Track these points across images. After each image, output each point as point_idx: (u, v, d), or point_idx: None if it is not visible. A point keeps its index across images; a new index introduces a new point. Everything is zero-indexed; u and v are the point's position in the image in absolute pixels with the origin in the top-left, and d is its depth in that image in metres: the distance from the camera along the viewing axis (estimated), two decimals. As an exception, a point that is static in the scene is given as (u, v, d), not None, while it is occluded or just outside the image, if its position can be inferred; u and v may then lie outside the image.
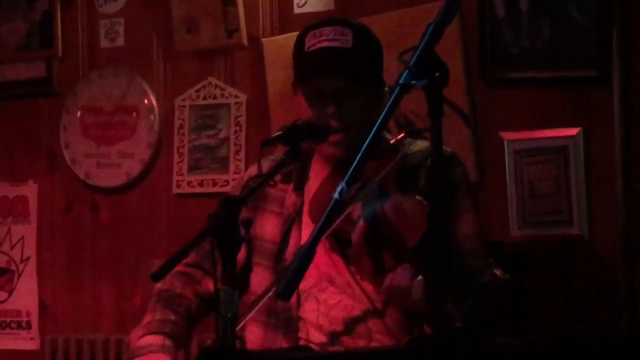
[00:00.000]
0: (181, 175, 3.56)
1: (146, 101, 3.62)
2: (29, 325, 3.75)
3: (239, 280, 1.82)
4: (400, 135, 2.17)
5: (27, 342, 3.73)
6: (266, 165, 2.26)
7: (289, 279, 1.60)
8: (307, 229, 2.20)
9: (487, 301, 2.09)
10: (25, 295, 3.76)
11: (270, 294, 2.14)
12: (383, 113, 1.57)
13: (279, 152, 2.19)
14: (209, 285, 2.00)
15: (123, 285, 3.64)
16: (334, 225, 2.01)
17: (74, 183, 3.72)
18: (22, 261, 3.77)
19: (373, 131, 1.58)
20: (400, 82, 1.54)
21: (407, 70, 1.54)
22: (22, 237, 3.77)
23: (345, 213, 2.04)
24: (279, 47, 3.31)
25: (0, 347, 3.76)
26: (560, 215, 3.06)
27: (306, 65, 2.20)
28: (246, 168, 3.22)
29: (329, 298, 2.15)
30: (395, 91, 1.55)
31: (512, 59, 3.11)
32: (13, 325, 3.77)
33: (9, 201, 3.81)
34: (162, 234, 3.59)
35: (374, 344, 2.10)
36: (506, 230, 3.10)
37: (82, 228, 3.71)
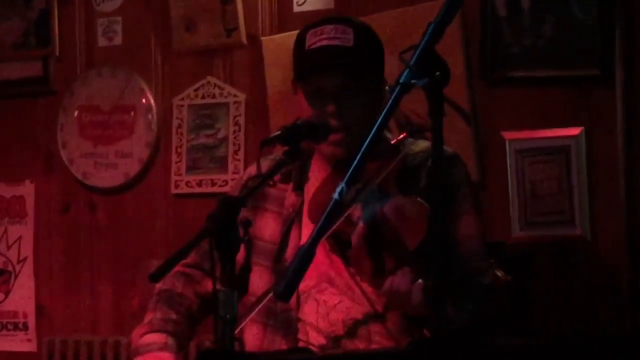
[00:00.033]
0: (179, 175, 3.56)
1: (144, 100, 3.61)
2: (25, 327, 3.74)
3: (238, 281, 1.82)
4: (402, 136, 2.18)
5: (24, 343, 3.73)
6: (265, 164, 2.25)
7: (288, 279, 1.60)
8: (307, 229, 2.21)
9: (488, 303, 2.09)
10: (22, 297, 3.75)
11: (270, 295, 2.13)
12: (383, 112, 1.57)
13: (278, 152, 2.18)
14: (209, 285, 1.99)
15: (121, 287, 3.63)
16: (334, 227, 2.01)
17: (71, 183, 3.72)
18: (19, 262, 3.77)
19: (373, 131, 1.57)
20: (401, 81, 1.54)
21: (407, 69, 1.53)
22: (19, 238, 3.77)
23: (346, 214, 2.04)
24: (279, 46, 3.31)
25: (-3, 349, 3.78)
26: (562, 215, 3.06)
27: (307, 63, 2.20)
28: (245, 168, 3.21)
29: (328, 299, 2.15)
30: (396, 90, 1.54)
31: (513, 58, 3.11)
32: (10, 327, 3.77)
33: (6, 201, 3.80)
34: (160, 234, 3.59)
35: (373, 347, 2.10)
36: (507, 230, 3.10)
37: (79, 229, 3.71)
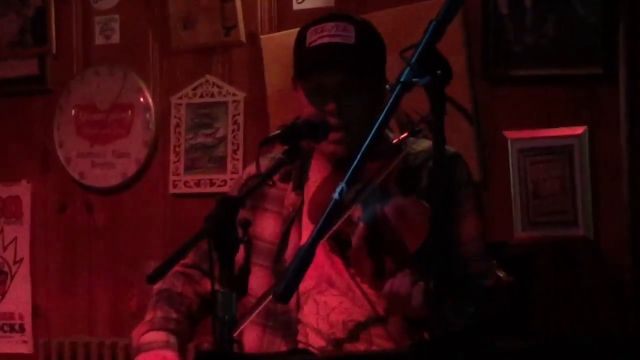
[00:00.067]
0: (177, 175, 3.55)
1: (142, 99, 3.61)
2: (22, 329, 3.74)
3: (237, 282, 1.84)
4: (403, 135, 2.16)
5: (20, 345, 3.73)
6: (265, 163, 2.24)
7: (287, 280, 1.59)
8: (307, 229, 2.20)
9: (490, 304, 2.08)
10: (18, 298, 3.75)
11: (270, 296, 2.12)
12: (384, 111, 1.56)
13: (277, 151, 2.17)
14: (209, 285, 1.99)
15: (118, 288, 3.63)
16: (335, 227, 2.01)
17: (68, 183, 3.72)
18: (15, 263, 3.77)
19: (374, 130, 1.56)
20: (402, 79, 1.53)
21: (408, 68, 1.53)
22: (15, 238, 3.77)
23: (346, 215, 2.03)
24: (278, 44, 3.31)
25: (-7, 351, 3.79)
26: (565, 215, 3.06)
27: (307, 60, 2.19)
28: (244, 168, 3.21)
29: (328, 301, 2.14)
30: (397, 89, 1.53)
31: (515, 56, 3.12)
32: (6, 329, 3.76)
33: (2, 201, 3.80)
34: (158, 235, 3.58)
35: (374, 349, 2.09)
36: (510, 231, 3.11)
37: (76, 229, 3.71)
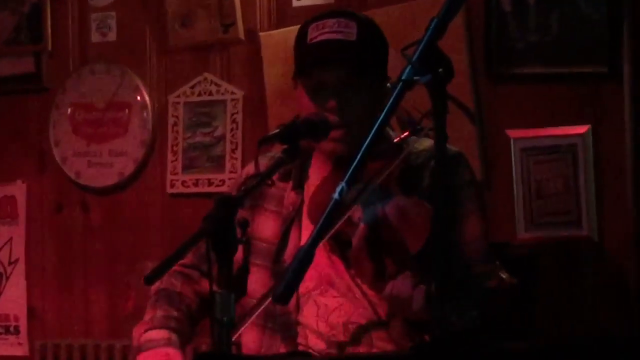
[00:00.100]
0: (175, 174, 3.54)
1: (139, 98, 3.60)
2: (17, 331, 3.73)
3: (236, 283, 1.81)
4: (405, 134, 2.15)
5: (15, 347, 3.72)
6: (264, 163, 2.23)
7: (287, 281, 1.59)
8: (307, 229, 2.20)
9: (492, 306, 2.07)
10: (14, 299, 3.75)
11: (270, 298, 2.12)
12: (385, 110, 1.56)
13: (277, 150, 2.17)
14: (207, 285, 1.97)
15: (115, 289, 3.63)
16: (335, 228, 2.00)
17: (64, 183, 3.71)
18: (10, 263, 3.76)
19: (374, 129, 1.56)
20: (403, 77, 1.53)
21: (409, 66, 1.53)
22: (10, 239, 3.76)
23: (346, 215, 2.02)
24: (277, 41, 3.31)
25: (-12, 353, 3.80)
26: (568, 215, 3.06)
27: (308, 57, 2.19)
28: (243, 167, 3.22)
29: (329, 302, 2.14)
30: (398, 87, 1.53)
31: (519, 54, 3.12)
32: (0, 330, 3.76)
33: (-3, 201, 3.84)
34: (155, 235, 3.58)
35: (374, 351, 2.09)
36: (512, 231, 3.11)
37: (72, 229, 3.70)
